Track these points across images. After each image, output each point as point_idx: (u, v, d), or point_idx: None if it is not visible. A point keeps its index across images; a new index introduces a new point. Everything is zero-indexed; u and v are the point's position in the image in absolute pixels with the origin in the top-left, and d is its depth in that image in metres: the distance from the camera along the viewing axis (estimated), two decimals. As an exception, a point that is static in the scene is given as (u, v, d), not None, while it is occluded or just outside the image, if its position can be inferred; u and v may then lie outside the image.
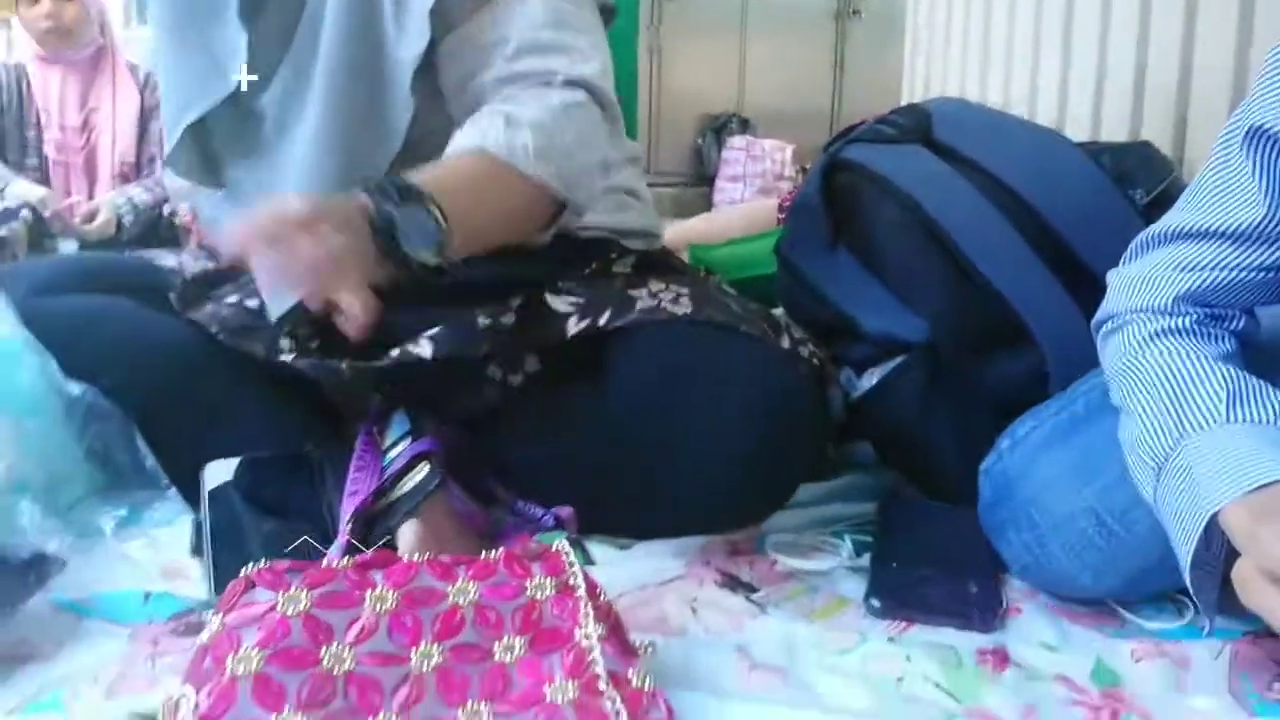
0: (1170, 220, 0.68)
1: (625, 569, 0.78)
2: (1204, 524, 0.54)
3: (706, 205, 3.90)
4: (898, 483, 0.96)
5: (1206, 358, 0.61)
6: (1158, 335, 0.65)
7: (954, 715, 0.60)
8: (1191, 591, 0.57)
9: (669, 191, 4.20)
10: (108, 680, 0.61)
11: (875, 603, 0.73)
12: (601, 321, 0.82)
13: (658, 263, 0.99)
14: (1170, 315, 0.65)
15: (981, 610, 0.72)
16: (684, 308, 0.83)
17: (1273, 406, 0.58)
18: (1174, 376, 0.61)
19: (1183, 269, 0.66)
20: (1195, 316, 0.65)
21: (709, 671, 0.64)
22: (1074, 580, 0.73)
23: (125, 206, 2.27)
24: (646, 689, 0.54)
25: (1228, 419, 0.57)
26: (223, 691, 0.49)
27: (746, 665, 0.65)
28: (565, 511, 0.82)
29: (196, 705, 0.48)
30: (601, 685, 0.53)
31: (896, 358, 0.94)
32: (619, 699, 0.52)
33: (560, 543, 0.63)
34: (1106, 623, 0.72)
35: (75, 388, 0.85)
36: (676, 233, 1.80)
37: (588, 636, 0.56)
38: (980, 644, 0.68)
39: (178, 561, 0.76)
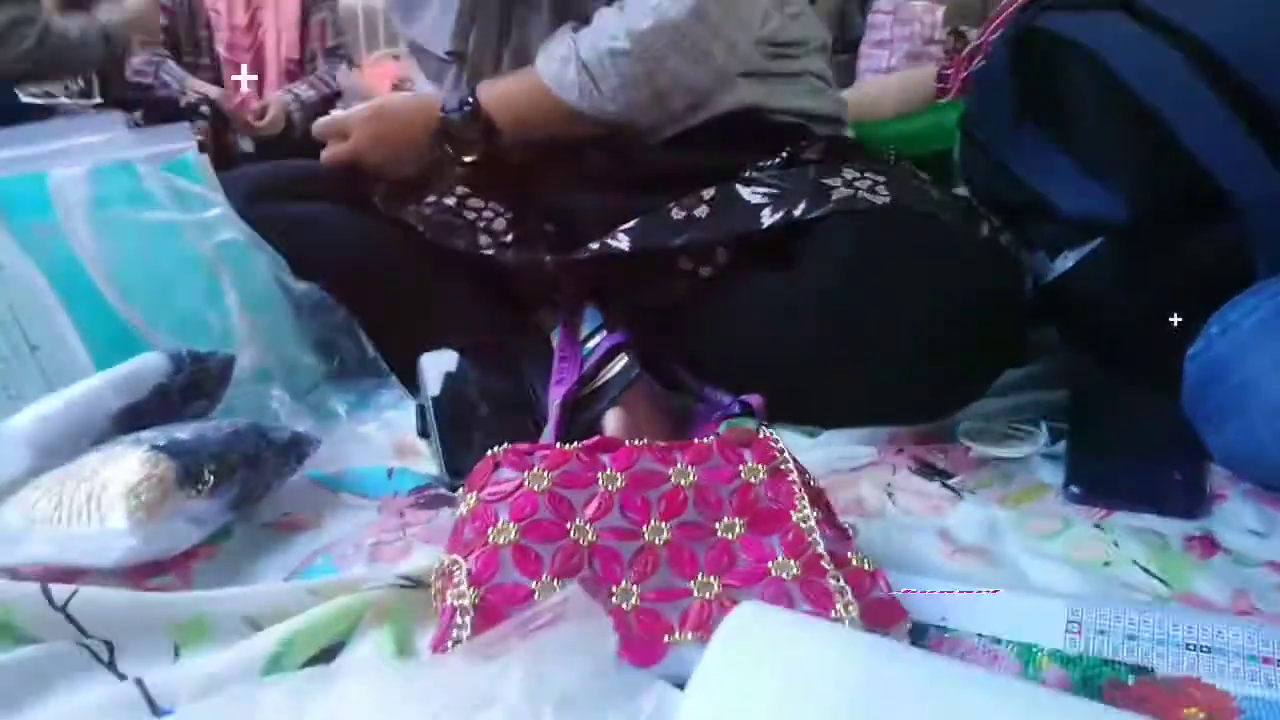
0: None
1: (815, 455, 0.80)
2: None
3: (850, 74, 3.73)
4: (1088, 368, 0.94)
5: None
6: None
7: (1165, 599, 0.61)
8: None
9: (810, 62, 4.01)
10: (368, 546, 0.68)
11: (1075, 489, 0.73)
12: (797, 212, 0.83)
13: (848, 148, 0.98)
14: None
15: (1186, 497, 0.72)
16: (882, 196, 0.82)
17: None
18: None
19: None
20: None
21: (912, 553, 0.67)
22: (1286, 469, 0.72)
23: (293, 103, 2.36)
24: (867, 569, 0.57)
25: None
26: (488, 558, 0.55)
27: (950, 548, 0.67)
28: (755, 399, 0.84)
29: (469, 570, 0.54)
30: (824, 564, 0.56)
31: (1091, 239, 0.91)
32: (842, 577, 0.56)
33: (768, 430, 0.66)
34: (1317, 512, 0.71)
35: (300, 284, 0.93)
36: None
37: (805, 519, 0.60)
38: (1187, 530, 0.68)
39: (409, 440, 0.83)
